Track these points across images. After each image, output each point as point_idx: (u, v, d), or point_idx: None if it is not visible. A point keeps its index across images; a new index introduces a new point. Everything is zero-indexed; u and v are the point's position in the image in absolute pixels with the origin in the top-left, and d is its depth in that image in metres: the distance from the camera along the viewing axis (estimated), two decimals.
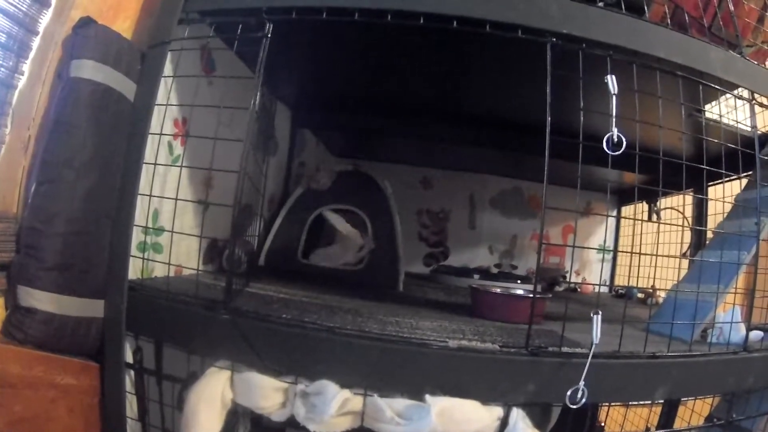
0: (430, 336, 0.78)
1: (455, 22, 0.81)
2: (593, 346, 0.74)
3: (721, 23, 1.03)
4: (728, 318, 0.96)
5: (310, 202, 1.46)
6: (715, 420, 1.02)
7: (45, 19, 0.89)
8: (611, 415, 1.49)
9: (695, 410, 1.20)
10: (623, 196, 2.17)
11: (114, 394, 0.84)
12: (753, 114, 0.97)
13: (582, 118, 0.79)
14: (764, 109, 0.99)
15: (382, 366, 0.76)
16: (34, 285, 0.80)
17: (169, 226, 0.89)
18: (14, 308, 0.81)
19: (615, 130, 0.78)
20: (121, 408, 0.84)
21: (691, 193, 1.56)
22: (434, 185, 2.20)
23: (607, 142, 0.78)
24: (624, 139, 0.78)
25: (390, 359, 0.76)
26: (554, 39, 0.82)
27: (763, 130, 1.06)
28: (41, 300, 0.80)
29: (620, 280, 2.13)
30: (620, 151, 0.77)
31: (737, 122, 1.02)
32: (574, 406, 0.74)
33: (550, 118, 0.79)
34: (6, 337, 0.80)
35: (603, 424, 1.48)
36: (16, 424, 0.75)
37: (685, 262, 1.22)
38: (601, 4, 0.88)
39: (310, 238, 1.45)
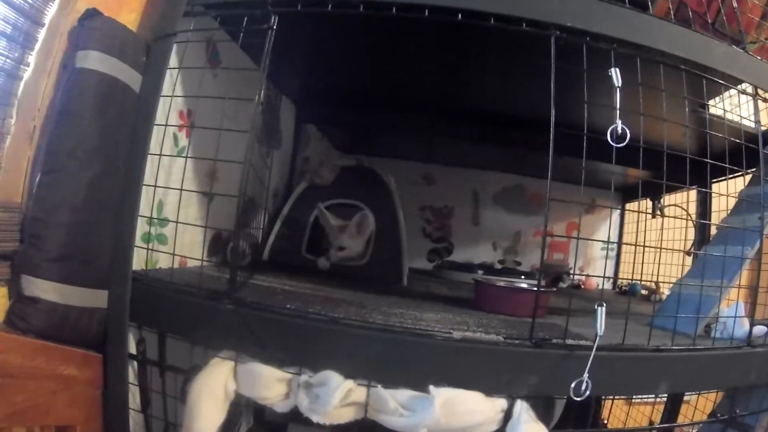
0: (434, 327, 0.78)
1: (460, 15, 0.81)
2: (597, 337, 0.74)
3: (724, 19, 1.03)
4: (732, 313, 0.96)
5: (313, 196, 1.46)
6: (718, 415, 1.01)
7: (51, 10, 0.89)
8: (614, 413, 1.49)
9: (698, 408, 1.20)
10: (626, 194, 2.17)
11: (117, 385, 0.83)
12: (757, 109, 0.97)
13: (586, 112, 0.79)
14: None
15: (385, 357, 0.76)
16: (37, 274, 0.80)
17: (173, 217, 0.89)
18: (18, 298, 0.80)
19: (619, 122, 0.78)
20: (124, 399, 0.84)
21: (696, 188, 1.55)
22: (437, 181, 2.21)
23: (611, 134, 0.78)
24: (628, 132, 0.78)
25: (394, 350, 0.76)
26: (558, 32, 0.82)
27: None
28: (45, 289, 0.80)
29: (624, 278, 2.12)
30: (624, 143, 0.77)
31: (741, 117, 1.02)
32: (578, 398, 0.74)
33: (554, 111, 0.79)
34: (9, 326, 0.80)
35: (606, 422, 1.47)
36: (17, 416, 0.75)
37: (689, 260, 1.22)
38: None
39: (313, 232, 1.45)
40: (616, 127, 0.78)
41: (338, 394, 0.72)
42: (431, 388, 0.73)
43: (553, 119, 0.79)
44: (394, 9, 0.81)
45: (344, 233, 1.35)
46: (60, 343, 0.81)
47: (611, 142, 0.78)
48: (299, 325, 0.77)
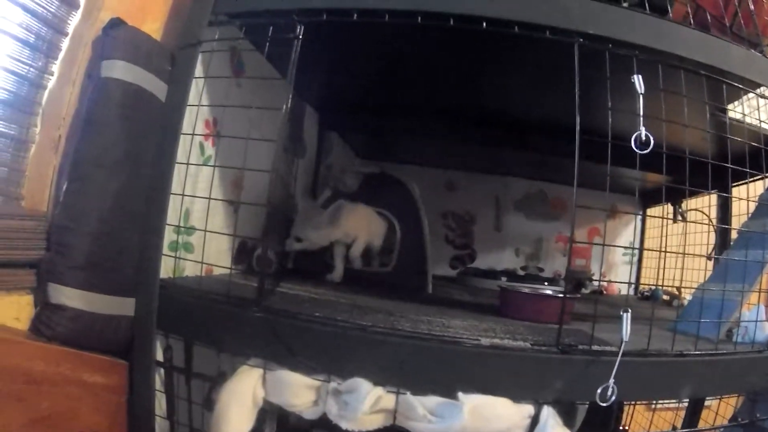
0: (462, 334, 0.78)
1: (485, 24, 0.81)
2: (623, 343, 0.74)
3: (741, 22, 1.03)
4: (753, 317, 0.96)
5: None
6: (739, 420, 1.02)
7: (74, 20, 0.89)
8: (635, 419, 1.48)
9: (719, 413, 1.19)
10: (647, 199, 2.16)
11: (144, 392, 0.84)
12: None
13: (610, 119, 0.79)
14: None
15: (414, 364, 0.76)
16: (63, 282, 0.80)
17: (200, 226, 0.89)
18: (43, 305, 0.81)
19: (643, 129, 0.79)
20: (151, 406, 0.84)
21: (716, 192, 1.55)
22: (458, 187, 2.20)
23: (635, 141, 0.78)
24: (652, 138, 0.78)
25: (422, 357, 0.76)
26: (581, 39, 0.82)
27: None
28: (71, 297, 0.80)
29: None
30: (648, 150, 0.78)
31: (760, 121, 1.02)
32: (604, 404, 0.74)
33: (579, 118, 0.79)
34: (34, 333, 0.81)
35: (626, 429, 1.47)
36: (42, 422, 0.75)
37: (711, 265, 1.22)
38: (625, 4, 0.89)
39: None
40: (640, 133, 0.78)
41: (368, 401, 0.72)
42: (460, 394, 0.73)
43: (578, 125, 0.79)
44: (419, 18, 0.81)
45: (308, 223, 1.23)
46: (86, 350, 0.82)
47: (635, 149, 0.78)
48: (328, 333, 0.77)
